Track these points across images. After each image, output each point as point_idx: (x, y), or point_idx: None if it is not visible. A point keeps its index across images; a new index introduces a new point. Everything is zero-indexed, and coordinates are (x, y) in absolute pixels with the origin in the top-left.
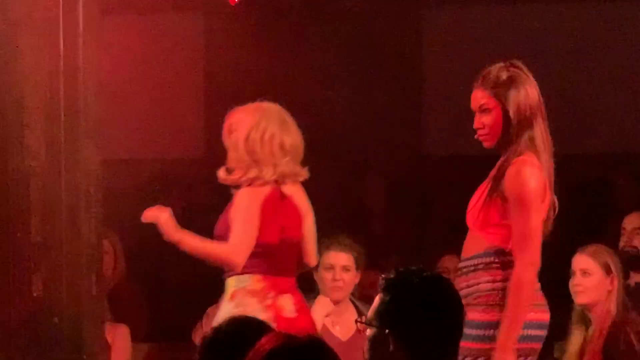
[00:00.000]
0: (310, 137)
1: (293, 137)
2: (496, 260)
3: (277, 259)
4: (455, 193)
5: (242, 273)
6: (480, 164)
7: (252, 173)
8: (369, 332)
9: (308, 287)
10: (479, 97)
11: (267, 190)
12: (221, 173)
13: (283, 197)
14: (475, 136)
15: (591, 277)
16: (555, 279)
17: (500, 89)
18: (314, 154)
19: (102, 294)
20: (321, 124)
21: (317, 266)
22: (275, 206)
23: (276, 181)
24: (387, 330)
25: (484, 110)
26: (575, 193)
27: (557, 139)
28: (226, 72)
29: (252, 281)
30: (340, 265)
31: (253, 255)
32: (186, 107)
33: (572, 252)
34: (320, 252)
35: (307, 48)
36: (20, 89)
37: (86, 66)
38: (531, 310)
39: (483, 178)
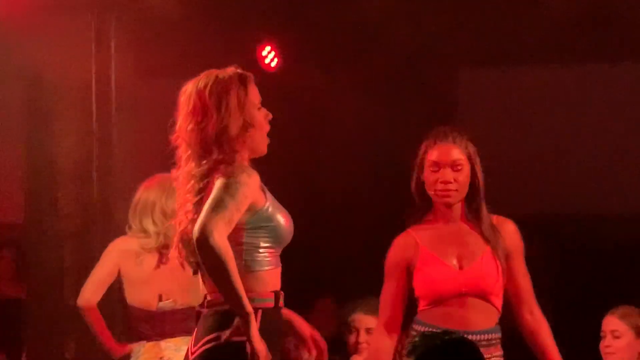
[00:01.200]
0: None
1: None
2: (501, 334)
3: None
4: None
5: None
6: None
7: None
8: None
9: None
10: (455, 153)
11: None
12: None
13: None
14: (435, 191)
15: (621, 339)
16: (587, 341)
17: (471, 148)
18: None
19: None
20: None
21: (346, 327)
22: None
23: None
24: None
25: (457, 165)
26: (606, 255)
27: (590, 200)
28: None
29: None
30: (364, 328)
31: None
32: None
33: (603, 314)
34: (347, 314)
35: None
36: (54, 156)
37: (120, 128)
38: None
39: None
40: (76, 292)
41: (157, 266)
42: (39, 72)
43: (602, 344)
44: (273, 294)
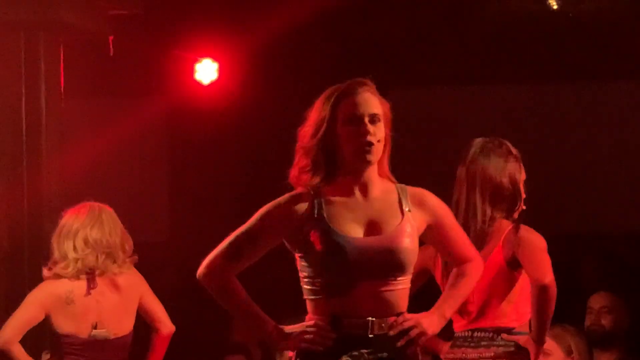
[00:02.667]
0: None
1: (100, 233)
2: None
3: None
4: None
5: None
6: None
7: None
8: None
9: None
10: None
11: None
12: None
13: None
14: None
15: (551, 358)
16: None
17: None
18: None
19: None
20: None
21: None
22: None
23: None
24: None
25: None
26: None
27: (528, 220)
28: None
29: None
30: None
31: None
32: (150, 190)
33: None
34: None
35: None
36: None
37: (48, 150)
38: None
39: None
40: (7, 314)
41: (88, 292)
42: None
43: None
44: None
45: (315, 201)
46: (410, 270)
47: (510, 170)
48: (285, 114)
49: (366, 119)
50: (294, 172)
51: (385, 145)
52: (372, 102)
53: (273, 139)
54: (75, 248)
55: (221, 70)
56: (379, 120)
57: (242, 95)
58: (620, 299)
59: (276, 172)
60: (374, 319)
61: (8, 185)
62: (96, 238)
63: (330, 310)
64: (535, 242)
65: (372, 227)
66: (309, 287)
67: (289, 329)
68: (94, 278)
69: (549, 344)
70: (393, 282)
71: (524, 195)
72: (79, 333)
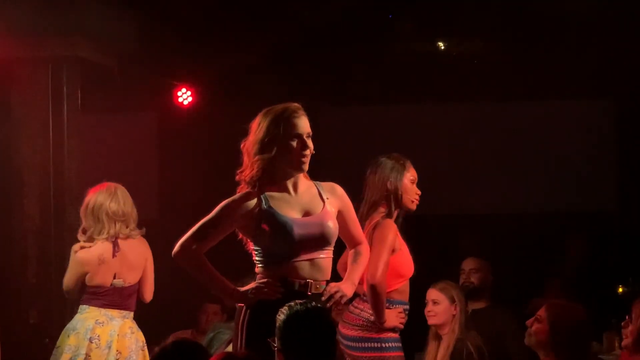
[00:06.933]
0: None
1: (117, 205)
2: None
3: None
4: None
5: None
6: None
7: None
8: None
9: None
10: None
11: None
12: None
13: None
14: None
15: (440, 305)
16: (416, 307)
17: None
18: None
19: None
20: None
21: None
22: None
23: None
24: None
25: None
26: (428, 245)
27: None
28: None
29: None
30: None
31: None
32: (144, 179)
33: (426, 287)
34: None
35: None
36: (21, 170)
37: (70, 154)
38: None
39: None
40: (36, 273)
41: (114, 255)
42: (9, 109)
43: (426, 309)
44: None
45: (262, 197)
46: (333, 243)
47: (394, 175)
48: (240, 125)
49: (305, 137)
50: (242, 175)
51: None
52: (307, 123)
53: (233, 144)
54: (99, 220)
55: (195, 94)
56: (310, 137)
57: (211, 111)
58: (487, 261)
59: (233, 170)
60: (312, 281)
61: (39, 177)
62: (114, 210)
63: (278, 274)
64: (379, 237)
65: (305, 212)
66: (260, 258)
67: (244, 288)
68: (117, 243)
69: (437, 295)
70: (323, 252)
71: (414, 194)
72: (104, 283)
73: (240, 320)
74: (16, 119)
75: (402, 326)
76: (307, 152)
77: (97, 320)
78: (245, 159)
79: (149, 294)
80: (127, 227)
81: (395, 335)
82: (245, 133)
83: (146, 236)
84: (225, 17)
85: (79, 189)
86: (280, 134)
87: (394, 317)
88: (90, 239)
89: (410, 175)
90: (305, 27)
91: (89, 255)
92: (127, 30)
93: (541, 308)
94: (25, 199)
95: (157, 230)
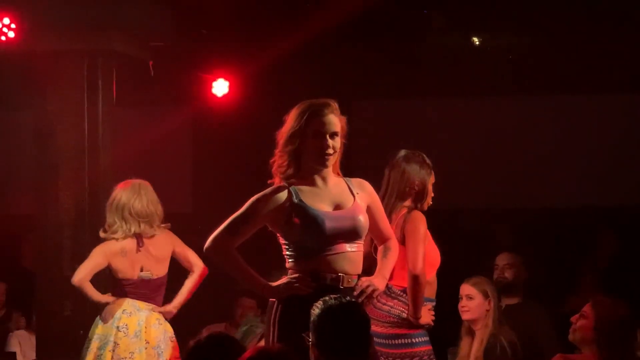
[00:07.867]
0: None
1: (140, 204)
2: None
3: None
4: None
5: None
6: None
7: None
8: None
9: None
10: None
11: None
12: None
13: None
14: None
15: (473, 301)
16: (449, 302)
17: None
18: None
19: None
20: None
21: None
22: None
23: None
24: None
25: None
26: (461, 239)
27: (448, 196)
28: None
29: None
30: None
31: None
32: (178, 173)
33: (460, 283)
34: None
35: None
36: (56, 163)
37: (104, 147)
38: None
39: None
40: (71, 266)
41: (138, 250)
42: (45, 101)
43: (460, 304)
44: None
45: (292, 190)
46: (364, 237)
47: (422, 174)
48: (276, 118)
49: (327, 136)
50: (274, 167)
51: (337, 152)
52: (334, 122)
53: (268, 136)
54: (123, 218)
55: (231, 87)
56: (337, 135)
57: (246, 104)
58: (520, 256)
59: (268, 164)
60: (344, 275)
61: (74, 171)
62: (138, 210)
63: (309, 269)
64: (411, 229)
65: (336, 205)
66: (290, 253)
67: (275, 283)
68: (141, 238)
69: (471, 290)
70: (354, 245)
71: (432, 194)
72: (131, 276)
73: (272, 315)
74: (52, 112)
75: (432, 324)
76: (330, 150)
77: (124, 310)
78: (276, 150)
79: (198, 265)
80: (151, 227)
81: (423, 330)
82: (282, 125)
83: (179, 230)
84: (261, 9)
85: (113, 182)
86: (302, 130)
87: (426, 313)
88: (114, 233)
89: (432, 179)
90: (341, 21)
91: (111, 247)
92: (162, 24)
93: (586, 305)
94: (61, 191)
95: (190, 225)
